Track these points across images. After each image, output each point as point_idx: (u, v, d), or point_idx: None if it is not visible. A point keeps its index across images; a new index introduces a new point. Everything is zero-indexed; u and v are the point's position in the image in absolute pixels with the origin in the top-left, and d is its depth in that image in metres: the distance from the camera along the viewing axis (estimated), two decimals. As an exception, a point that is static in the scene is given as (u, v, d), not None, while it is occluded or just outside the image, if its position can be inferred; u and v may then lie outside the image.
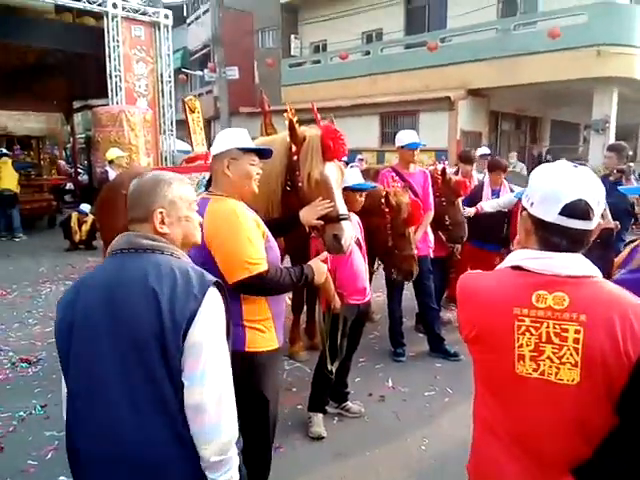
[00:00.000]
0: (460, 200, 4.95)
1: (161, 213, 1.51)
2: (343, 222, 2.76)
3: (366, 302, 3.50)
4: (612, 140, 12.53)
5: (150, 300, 1.36)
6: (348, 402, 3.70)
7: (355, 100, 15.52)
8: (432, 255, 4.77)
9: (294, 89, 18.14)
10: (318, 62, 18.66)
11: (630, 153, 5.20)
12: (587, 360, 1.22)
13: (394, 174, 4.55)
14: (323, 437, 3.37)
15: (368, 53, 17.14)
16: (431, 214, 4.65)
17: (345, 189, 3.18)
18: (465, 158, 5.87)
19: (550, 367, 1.27)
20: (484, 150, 7.62)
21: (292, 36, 19.66)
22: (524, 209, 1.39)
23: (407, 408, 3.80)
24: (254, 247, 2.08)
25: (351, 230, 2.82)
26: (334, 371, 3.33)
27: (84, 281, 1.51)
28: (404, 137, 4.61)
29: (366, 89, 16.12)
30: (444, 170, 4.89)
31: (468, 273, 1.56)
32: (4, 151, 10.55)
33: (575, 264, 1.29)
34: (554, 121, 18.24)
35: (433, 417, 3.68)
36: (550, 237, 1.31)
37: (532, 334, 1.29)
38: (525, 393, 1.31)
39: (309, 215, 2.76)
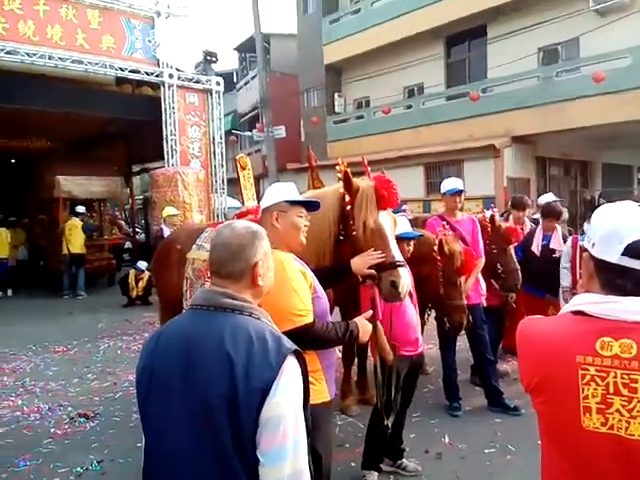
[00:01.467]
0: (512, 247, 4.87)
1: (261, 267, 1.50)
2: (400, 269, 2.81)
3: (419, 353, 3.44)
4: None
5: (224, 364, 1.31)
6: (404, 459, 3.58)
7: (399, 152, 15.73)
8: (485, 304, 4.67)
9: (339, 144, 18.60)
10: (361, 117, 19.14)
11: None
12: None
13: (442, 222, 4.55)
14: (375, 495, 3.25)
15: (410, 107, 17.48)
16: (481, 262, 4.58)
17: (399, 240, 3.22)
18: (517, 204, 5.80)
19: (620, 421, 1.18)
20: (549, 197, 7.12)
21: (336, 94, 20.34)
22: (585, 250, 1.34)
23: (466, 466, 3.62)
24: (300, 298, 2.11)
25: (408, 277, 2.85)
26: (390, 425, 3.24)
27: (163, 332, 1.50)
28: (446, 184, 4.67)
29: (410, 141, 16.34)
30: (493, 217, 4.84)
31: (528, 319, 1.49)
32: (81, 210, 11.20)
33: None
34: (605, 164, 17.78)
35: (494, 476, 3.50)
36: (613, 279, 1.24)
37: (598, 384, 1.20)
38: (593, 449, 1.21)
39: (361, 264, 2.81)
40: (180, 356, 1.38)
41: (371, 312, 2.61)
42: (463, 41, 17.00)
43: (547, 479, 1.37)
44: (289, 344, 1.39)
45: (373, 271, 2.81)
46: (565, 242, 5.22)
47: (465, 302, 3.91)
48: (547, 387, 1.30)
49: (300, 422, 1.35)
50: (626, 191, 14.62)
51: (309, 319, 2.11)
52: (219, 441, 1.29)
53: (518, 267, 4.83)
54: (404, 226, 3.50)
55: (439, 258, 3.78)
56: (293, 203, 2.32)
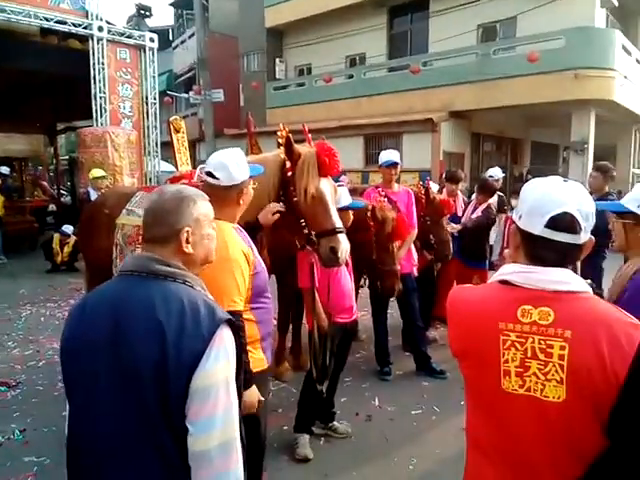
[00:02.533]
0: (445, 219, 5.01)
1: (187, 232, 1.43)
2: (339, 235, 2.85)
3: (353, 320, 3.50)
4: (591, 161, 12.80)
5: (155, 332, 1.27)
6: (335, 422, 3.66)
7: (340, 122, 15.68)
8: (416, 273, 4.80)
9: (279, 111, 18.27)
10: (303, 85, 18.88)
11: (614, 174, 5.31)
12: (572, 377, 1.20)
13: (379, 192, 4.59)
14: (310, 459, 3.32)
15: (352, 76, 17.40)
16: (414, 233, 4.69)
17: (339, 210, 3.22)
18: (451, 177, 5.95)
19: (536, 383, 1.24)
20: (496, 172, 6.91)
21: (277, 59, 19.90)
22: (513, 222, 1.39)
23: (394, 427, 3.77)
24: (236, 284, 2.08)
25: (347, 243, 2.87)
26: (324, 391, 3.29)
27: (89, 299, 1.44)
28: (382, 156, 4.72)
29: (350, 111, 16.32)
30: (427, 189, 4.95)
31: (458, 287, 1.56)
32: (4, 170, 10.42)
33: (562, 279, 1.26)
34: (534, 142, 18.61)
35: (421, 436, 3.66)
36: (537, 251, 1.29)
37: (517, 349, 1.26)
38: (512, 409, 1.28)
39: (264, 217, 2.85)
40: (108, 323, 1.32)
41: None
42: (406, 13, 17.05)
43: (471, 438, 1.44)
44: (222, 314, 1.36)
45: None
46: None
47: (398, 267, 3.99)
48: (472, 352, 1.36)
49: (232, 392, 1.33)
50: (552, 168, 15.33)
51: (237, 307, 2.08)
52: (146, 409, 1.26)
53: (450, 238, 4.99)
54: (345, 196, 3.49)
55: (372, 224, 3.83)
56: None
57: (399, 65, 16.06)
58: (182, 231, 1.43)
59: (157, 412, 1.25)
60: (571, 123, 13.57)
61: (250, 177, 2.31)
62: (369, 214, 3.77)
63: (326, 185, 2.95)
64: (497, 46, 14.31)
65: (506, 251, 4.86)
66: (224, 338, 1.32)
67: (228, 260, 2.04)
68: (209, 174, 2.24)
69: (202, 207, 1.49)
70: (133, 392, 1.27)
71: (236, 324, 1.40)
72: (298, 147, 2.99)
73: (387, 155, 4.69)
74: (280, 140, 2.96)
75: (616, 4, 13.71)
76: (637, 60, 14.76)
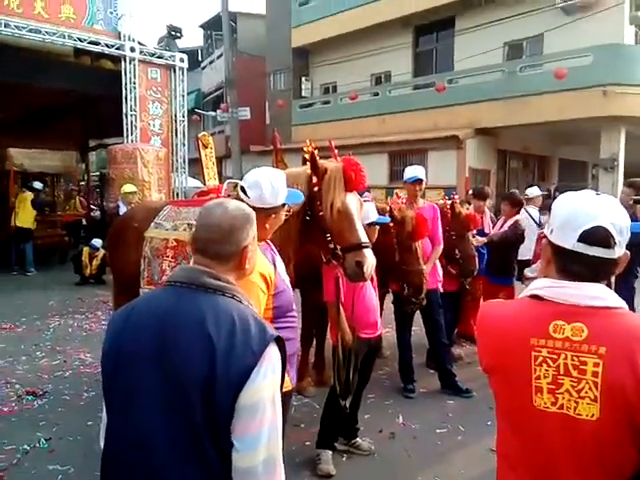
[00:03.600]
0: (470, 234, 4.97)
1: (251, 250, 1.45)
2: (365, 249, 2.85)
3: (377, 336, 3.48)
4: (621, 178, 12.54)
5: (204, 346, 1.24)
6: (357, 439, 3.62)
7: (364, 139, 15.75)
8: (442, 289, 4.75)
9: (304, 129, 18.45)
10: (328, 102, 19.07)
11: None
12: (607, 395, 1.17)
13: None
14: (332, 475, 3.28)
15: (377, 94, 17.51)
16: (440, 249, 4.65)
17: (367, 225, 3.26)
18: (478, 194, 5.91)
19: (569, 401, 1.21)
20: (535, 190, 7.32)
21: (303, 78, 20.18)
22: (545, 237, 1.37)
23: (418, 445, 3.70)
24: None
25: (373, 258, 2.87)
26: (347, 406, 3.26)
27: (135, 308, 1.41)
28: (407, 172, 4.72)
29: (375, 129, 16.39)
30: (453, 204, 4.92)
31: (489, 302, 1.54)
32: (37, 186, 10.72)
33: (596, 294, 1.24)
34: (562, 160, 18.33)
35: (445, 455, 3.58)
36: (569, 265, 1.27)
37: (550, 366, 1.24)
38: (543, 427, 1.25)
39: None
40: (154, 335, 1.30)
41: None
42: (431, 31, 17.13)
43: (501, 455, 1.41)
44: (272, 331, 1.34)
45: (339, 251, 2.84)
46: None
47: (423, 267, 3.96)
48: (502, 367, 1.33)
49: (278, 409, 1.31)
50: (580, 186, 15.02)
51: None
52: (192, 426, 1.24)
53: (475, 254, 4.94)
54: (372, 212, 3.51)
55: (391, 225, 3.82)
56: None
57: (424, 83, 16.11)
58: (246, 249, 1.44)
59: (203, 427, 1.23)
60: (600, 140, 13.36)
61: (284, 204, 2.27)
62: (387, 214, 3.76)
63: (352, 200, 2.97)
64: (524, 63, 14.24)
65: (534, 266, 4.78)
66: (272, 355, 1.30)
67: (246, 281, 2.05)
68: (242, 190, 2.23)
69: (256, 225, 1.51)
70: (178, 406, 1.25)
71: (283, 342, 1.38)
72: (324, 162, 3.02)
73: (412, 171, 4.69)
74: (306, 155, 2.99)
75: (646, 20, 13.54)
76: (668, 76, 14.48)
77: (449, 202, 5.00)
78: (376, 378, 4.82)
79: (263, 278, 2.10)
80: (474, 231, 5.20)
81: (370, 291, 3.36)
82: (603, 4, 12.73)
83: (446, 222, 4.83)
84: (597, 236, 1.22)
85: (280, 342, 1.35)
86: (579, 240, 1.23)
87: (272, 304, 2.17)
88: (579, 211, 1.26)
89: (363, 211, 3.37)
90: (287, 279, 2.34)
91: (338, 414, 3.35)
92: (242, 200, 2.16)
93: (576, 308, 1.23)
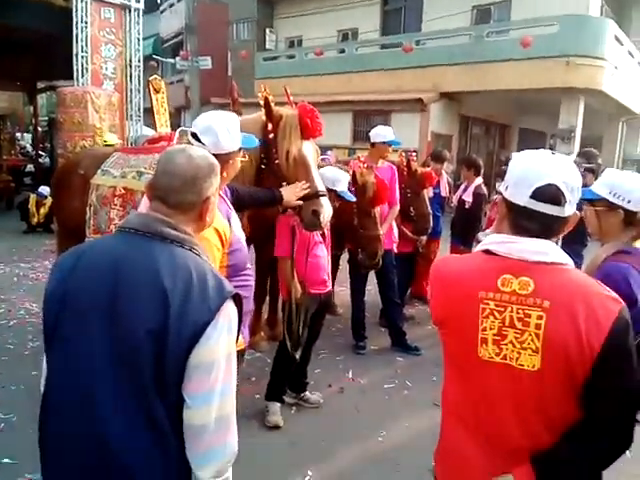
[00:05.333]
0: (426, 192, 4.99)
1: (212, 202, 1.39)
2: (322, 198, 2.82)
3: (327, 292, 3.49)
4: (577, 149, 12.85)
5: (158, 297, 1.19)
6: (307, 392, 3.66)
7: (329, 97, 15.44)
8: (396, 250, 4.78)
9: (268, 82, 17.56)
10: (293, 57, 18.55)
11: (599, 161, 5.30)
12: (548, 347, 1.20)
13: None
14: (280, 426, 3.31)
15: (343, 51, 17.13)
16: (396, 209, 4.67)
17: (330, 190, 3.21)
18: (436, 156, 5.91)
19: (512, 352, 1.25)
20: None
21: (267, 30, 19.49)
22: (500, 193, 1.38)
23: (366, 400, 3.78)
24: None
25: (329, 207, 2.84)
26: (298, 357, 3.27)
27: (85, 252, 1.32)
28: (387, 133, 4.64)
29: (340, 87, 16.09)
30: (409, 161, 4.92)
31: (442, 257, 1.57)
32: None
33: (544, 250, 1.26)
34: (522, 129, 18.64)
35: (391, 409, 3.67)
36: (521, 221, 1.29)
37: (496, 318, 1.27)
38: (487, 377, 1.29)
39: (291, 195, 2.79)
40: (104, 282, 1.22)
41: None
42: (401, -11, 16.75)
43: (447, 405, 1.45)
44: (230, 287, 1.29)
45: (301, 202, 2.82)
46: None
47: (380, 232, 3.96)
48: (451, 319, 1.36)
49: (233, 367, 1.28)
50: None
51: None
52: (140, 380, 1.19)
53: (430, 212, 4.99)
54: (344, 183, 3.45)
55: (353, 189, 3.78)
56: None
57: (392, 42, 15.83)
58: (208, 200, 1.37)
59: (151, 383, 1.19)
60: (559, 111, 13.57)
61: (241, 149, 2.18)
62: (350, 179, 3.71)
63: (308, 147, 2.91)
64: (491, 28, 14.17)
65: (487, 230, 4.86)
66: (230, 312, 1.26)
67: (200, 237, 1.95)
68: (194, 136, 2.10)
69: (219, 174, 1.44)
70: (127, 358, 1.19)
71: (240, 299, 1.32)
72: (280, 109, 2.92)
73: (386, 132, 4.63)
74: (260, 102, 2.88)
75: (612, -7, 13.65)
76: (629, 52, 14.76)
77: (405, 160, 4.98)
78: (328, 334, 4.87)
79: (217, 234, 2.02)
80: (430, 189, 5.22)
81: (322, 249, 3.36)
82: (572, -28, 12.72)
83: (402, 180, 4.82)
84: (548, 193, 1.24)
85: (237, 299, 1.30)
86: (531, 197, 1.25)
87: (226, 262, 2.10)
88: (533, 169, 1.28)
89: (333, 176, 3.35)
90: (243, 236, 2.27)
91: (287, 367, 3.38)
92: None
93: (524, 263, 1.26)
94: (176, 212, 1.33)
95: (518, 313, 1.24)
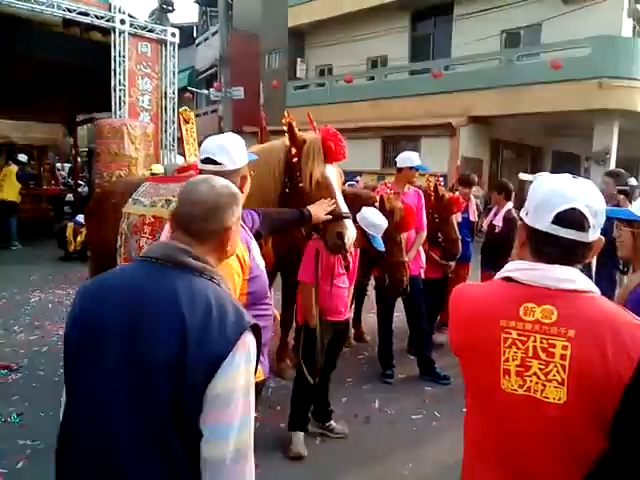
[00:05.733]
0: (454, 217, 4.93)
1: (234, 231, 1.40)
2: (346, 220, 2.82)
3: (344, 320, 3.47)
4: (613, 172, 12.51)
5: (176, 327, 1.18)
6: (332, 422, 3.60)
7: (358, 123, 15.60)
8: (424, 276, 4.71)
9: (298, 110, 18.13)
10: (323, 85, 18.85)
11: (629, 180, 5.14)
12: (574, 379, 1.15)
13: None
14: (303, 457, 3.26)
15: (372, 78, 17.33)
16: (424, 234, 4.62)
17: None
18: (464, 181, 5.85)
19: (536, 384, 1.20)
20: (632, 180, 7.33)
21: (298, 59, 19.92)
22: (521, 219, 1.35)
23: (393, 431, 3.69)
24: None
25: (353, 229, 2.85)
26: (315, 381, 3.23)
27: (106, 281, 1.34)
28: (413, 158, 4.64)
29: (369, 113, 16.23)
30: (436, 186, 4.88)
31: (462, 284, 1.52)
32: (22, 158, 10.51)
33: (569, 277, 1.22)
34: (555, 151, 18.32)
35: (419, 441, 3.57)
36: (542, 247, 1.26)
37: (519, 348, 1.22)
38: (511, 410, 1.23)
39: (319, 210, 2.81)
40: (124, 310, 1.23)
41: None
42: (429, 16, 16.93)
43: (468, 438, 1.40)
44: (249, 317, 1.28)
45: (329, 217, 2.83)
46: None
47: (407, 259, 3.92)
48: (472, 349, 1.32)
49: (251, 399, 1.26)
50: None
51: None
52: (156, 409, 1.18)
53: (459, 237, 4.92)
54: (380, 229, 3.47)
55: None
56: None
57: (421, 68, 15.94)
58: (230, 230, 1.38)
59: (168, 413, 1.17)
60: (593, 133, 13.32)
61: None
62: (377, 205, 3.71)
63: (332, 171, 2.93)
64: (521, 52, 14.12)
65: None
66: (248, 343, 1.25)
67: (227, 264, 1.94)
68: (207, 161, 2.14)
69: (241, 205, 1.45)
70: (144, 389, 1.18)
71: (260, 331, 1.32)
72: (303, 133, 2.96)
73: (412, 157, 4.63)
74: (284, 127, 2.93)
75: (644, 13, 13.44)
76: (663, 71, 14.42)
77: (432, 185, 4.95)
78: (355, 362, 4.82)
79: (238, 260, 2.02)
80: (458, 215, 5.16)
81: (345, 280, 3.37)
82: (601, -5, 12.61)
83: (429, 205, 4.79)
84: (571, 218, 1.21)
85: (256, 330, 1.30)
86: (553, 222, 1.22)
87: (246, 289, 2.10)
88: (555, 193, 1.24)
89: (371, 218, 3.40)
90: (262, 263, 2.27)
91: (307, 395, 3.36)
92: (213, 171, 2.10)
93: (547, 290, 1.22)
94: (197, 241, 1.34)
95: (542, 343, 1.19)
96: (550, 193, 1.25)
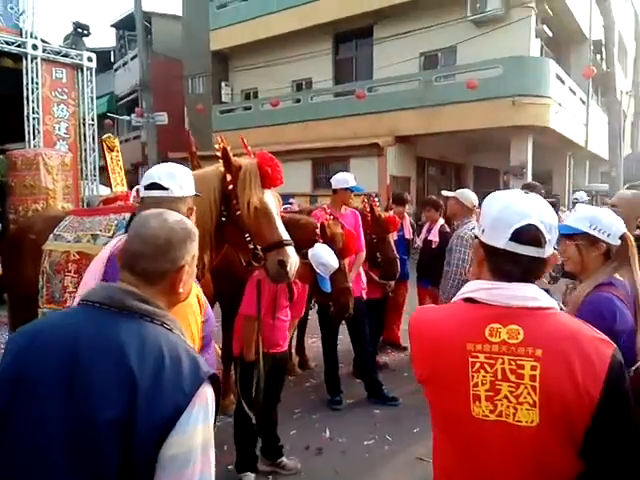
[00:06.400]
0: (390, 236, 4.96)
1: (187, 271, 1.28)
2: (287, 247, 2.70)
3: (282, 352, 3.35)
4: (529, 184, 13.28)
5: (124, 380, 1.06)
6: (283, 458, 3.44)
7: (287, 146, 15.62)
8: (365, 297, 4.68)
9: (225, 135, 17.40)
10: (249, 109, 18.80)
11: (543, 192, 5.44)
12: (545, 399, 1.12)
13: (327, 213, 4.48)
14: (254, 496, 3.08)
15: (299, 101, 17.49)
16: (363, 255, 4.62)
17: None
18: (398, 199, 5.94)
19: (507, 407, 1.15)
20: (581, 194, 7.70)
21: (223, 83, 19.77)
22: (476, 237, 1.32)
23: (346, 460, 3.59)
24: (192, 332, 1.82)
25: (295, 256, 2.73)
26: (253, 418, 3.07)
27: (42, 329, 1.20)
28: (348, 179, 4.65)
29: (297, 135, 16.33)
30: (372, 206, 4.91)
31: (420, 308, 1.49)
32: None
33: (529, 294, 1.20)
34: (476, 167, 19.23)
35: (373, 468, 3.50)
36: (501, 265, 1.23)
37: (487, 371, 1.17)
38: (482, 437, 1.18)
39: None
40: (63, 362, 1.09)
41: None
42: (351, 39, 17.38)
43: (439, 468, 1.33)
44: (206, 367, 1.17)
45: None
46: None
47: (350, 285, 3.86)
48: (438, 376, 1.26)
49: (211, 457, 1.14)
50: (494, 192, 15.83)
51: None
52: (102, 475, 1.04)
53: (397, 256, 4.94)
54: (330, 268, 3.33)
55: (321, 241, 3.69)
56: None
57: (345, 90, 16.28)
58: (183, 269, 1.26)
59: (116, 478, 1.04)
60: (510, 148, 14.10)
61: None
62: (318, 231, 3.63)
63: (270, 197, 2.82)
64: (438, 74, 14.77)
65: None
66: (206, 396, 1.13)
67: (186, 303, 1.75)
68: (152, 186, 2.00)
69: (197, 242, 1.34)
70: (86, 452, 1.04)
71: (218, 379, 1.21)
72: (238, 159, 2.85)
73: (351, 179, 4.66)
74: (218, 153, 2.81)
75: (550, 34, 14.48)
76: (570, 89, 15.59)
77: (368, 206, 4.97)
78: (302, 391, 4.69)
79: (197, 299, 1.89)
80: (394, 234, 5.20)
81: (287, 312, 3.30)
82: (510, 18, 13.48)
83: (367, 226, 4.79)
84: (528, 235, 1.20)
85: (215, 381, 1.18)
86: (511, 239, 1.20)
87: (201, 333, 1.95)
88: (510, 210, 1.23)
89: (324, 259, 3.27)
90: (208, 305, 2.12)
91: (249, 431, 3.19)
92: (156, 198, 1.95)
93: (510, 310, 1.19)
94: (145, 282, 1.22)
95: (510, 364, 1.16)
96: (504, 210, 1.24)
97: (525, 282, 1.21)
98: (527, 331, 1.16)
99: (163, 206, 1.88)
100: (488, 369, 1.17)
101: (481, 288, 1.24)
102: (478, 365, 1.18)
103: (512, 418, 1.15)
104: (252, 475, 3.20)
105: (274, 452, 3.43)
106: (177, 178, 2.02)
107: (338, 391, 4.50)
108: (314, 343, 5.60)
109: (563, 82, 14.79)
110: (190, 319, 1.82)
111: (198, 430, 1.09)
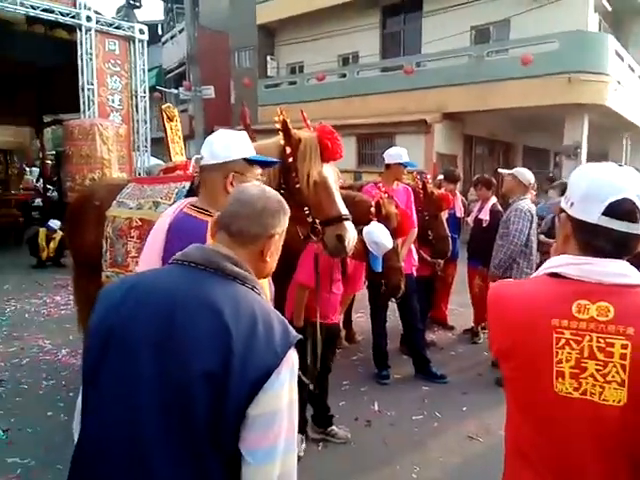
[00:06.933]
0: (443, 214, 4.90)
1: (277, 240, 1.33)
2: (346, 222, 2.70)
3: (334, 323, 3.41)
4: (583, 165, 12.76)
5: (220, 338, 1.09)
6: (333, 427, 3.52)
7: (332, 121, 15.45)
8: (415, 274, 4.66)
9: (270, 109, 17.98)
10: (294, 83, 18.69)
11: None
12: (635, 379, 1.08)
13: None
14: (300, 456, 3.16)
15: (344, 75, 17.27)
16: (414, 231, 4.56)
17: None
18: (449, 177, 5.85)
19: (593, 386, 1.12)
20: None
21: (268, 57, 19.69)
22: (562, 211, 1.27)
23: (395, 433, 3.63)
24: None
25: (354, 231, 2.73)
26: (310, 385, 3.11)
27: (137, 284, 1.23)
28: (403, 154, 4.55)
29: (343, 110, 16.15)
30: (425, 184, 4.84)
31: (499, 282, 1.43)
32: None
33: (621, 271, 1.15)
34: (526, 147, 18.63)
35: (423, 443, 3.52)
36: (592, 240, 1.18)
37: (573, 348, 1.14)
38: (565, 415, 1.15)
39: None
40: (159, 318, 1.13)
41: None
42: (399, 12, 16.94)
43: (511, 444, 1.31)
44: (294, 332, 1.21)
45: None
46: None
47: (403, 264, 3.85)
48: (519, 351, 1.23)
49: (295, 418, 1.17)
50: (543, 172, 15.33)
51: None
52: (192, 427, 1.08)
53: (448, 234, 4.88)
54: (383, 248, 3.30)
55: (375, 220, 3.68)
56: (252, 162, 1.97)
57: (392, 65, 15.96)
58: (273, 238, 1.31)
59: (205, 431, 1.08)
60: (564, 128, 13.56)
61: (251, 163, 1.99)
62: (373, 210, 3.62)
63: (329, 171, 2.81)
64: (490, 48, 14.27)
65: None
66: (293, 359, 1.17)
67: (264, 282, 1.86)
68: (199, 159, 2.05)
69: (288, 217, 1.38)
70: (179, 403, 1.08)
71: (300, 346, 1.25)
72: (298, 132, 2.85)
73: (405, 155, 4.55)
74: (277, 125, 2.81)
75: (609, 9, 13.74)
76: (629, 66, 14.82)
77: (420, 182, 4.91)
78: (350, 364, 4.75)
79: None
80: (445, 212, 5.14)
81: (340, 286, 3.34)
82: (569, -10, 12.84)
83: (418, 203, 4.74)
84: (624, 209, 1.14)
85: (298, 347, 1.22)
86: (604, 213, 1.15)
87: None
88: (602, 183, 1.17)
89: (378, 238, 3.25)
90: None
91: (300, 397, 3.25)
92: (201, 168, 1.99)
93: (600, 286, 1.15)
94: (238, 244, 1.27)
95: (599, 342, 1.12)
96: (597, 183, 1.18)
97: (616, 258, 1.17)
98: (618, 309, 1.12)
99: (204, 178, 1.94)
100: (574, 346, 1.14)
101: (570, 263, 1.20)
102: (563, 341, 1.15)
103: (598, 397, 1.12)
104: (300, 436, 3.27)
105: (325, 420, 3.51)
106: (212, 144, 1.96)
107: (386, 365, 4.54)
108: (360, 318, 5.65)
109: (622, 59, 14.02)
110: (267, 292, 1.87)
111: (285, 391, 1.13)
